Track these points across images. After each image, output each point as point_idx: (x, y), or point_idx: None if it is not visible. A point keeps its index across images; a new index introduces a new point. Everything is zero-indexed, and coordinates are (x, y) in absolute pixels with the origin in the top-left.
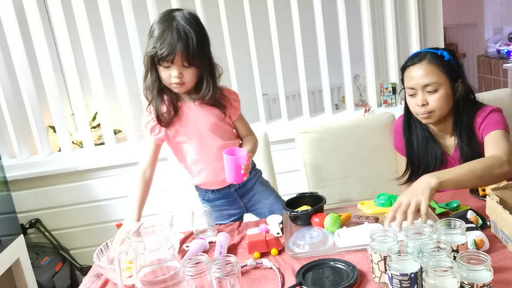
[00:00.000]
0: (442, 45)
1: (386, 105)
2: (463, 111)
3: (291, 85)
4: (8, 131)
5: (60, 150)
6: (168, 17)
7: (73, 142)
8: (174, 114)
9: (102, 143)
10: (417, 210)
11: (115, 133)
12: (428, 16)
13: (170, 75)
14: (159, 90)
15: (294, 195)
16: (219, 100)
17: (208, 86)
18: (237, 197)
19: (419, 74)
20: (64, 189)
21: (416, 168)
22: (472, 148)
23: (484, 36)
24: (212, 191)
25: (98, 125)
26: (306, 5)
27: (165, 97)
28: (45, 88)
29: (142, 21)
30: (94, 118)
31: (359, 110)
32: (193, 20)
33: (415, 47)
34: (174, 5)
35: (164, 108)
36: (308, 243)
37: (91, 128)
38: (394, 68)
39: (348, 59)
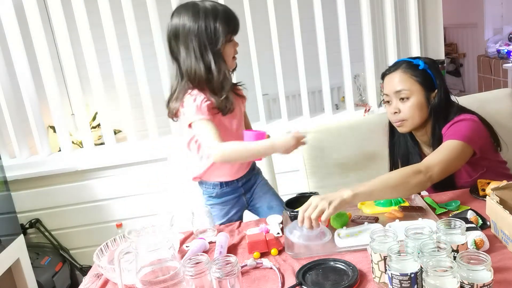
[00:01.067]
0: (442, 45)
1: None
2: (436, 121)
3: (291, 85)
4: (8, 131)
5: (60, 150)
6: (201, 6)
7: (73, 142)
8: (232, 101)
9: (102, 143)
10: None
11: (115, 133)
12: (428, 16)
13: (234, 47)
14: (228, 72)
15: (294, 195)
16: (238, 87)
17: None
18: (243, 193)
19: (392, 81)
20: (64, 189)
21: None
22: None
23: (484, 36)
24: (221, 185)
25: (98, 125)
26: (306, 5)
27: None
28: (45, 88)
29: (142, 21)
30: (94, 118)
31: (359, 110)
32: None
33: (415, 47)
34: (174, 5)
35: (228, 93)
36: (304, 235)
37: (91, 128)
38: None
39: (348, 59)
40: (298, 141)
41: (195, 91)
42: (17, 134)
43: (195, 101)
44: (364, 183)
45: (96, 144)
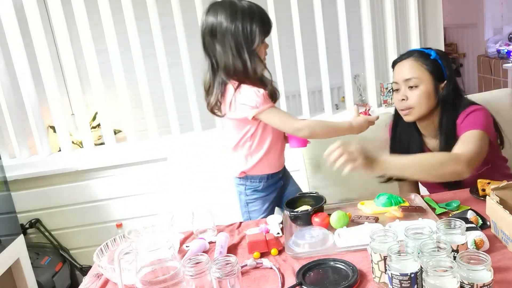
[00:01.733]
0: (442, 45)
1: (386, 105)
2: (444, 113)
3: (291, 85)
4: (8, 131)
5: (60, 150)
6: (238, 5)
7: (73, 142)
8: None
9: (102, 143)
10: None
11: (115, 133)
12: (428, 16)
13: (266, 47)
14: (264, 65)
15: (294, 195)
16: None
17: None
18: (281, 185)
19: (403, 69)
20: (64, 189)
21: None
22: (444, 142)
23: (484, 36)
24: (267, 178)
25: (98, 125)
26: (306, 5)
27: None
28: (45, 88)
29: (142, 21)
30: (94, 118)
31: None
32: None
33: (415, 47)
34: (175, 6)
35: (272, 83)
36: (308, 243)
37: (91, 128)
38: None
39: (348, 59)
40: (370, 123)
41: (245, 85)
42: (17, 134)
43: (259, 92)
44: (400, 156)
45: (96, 144)
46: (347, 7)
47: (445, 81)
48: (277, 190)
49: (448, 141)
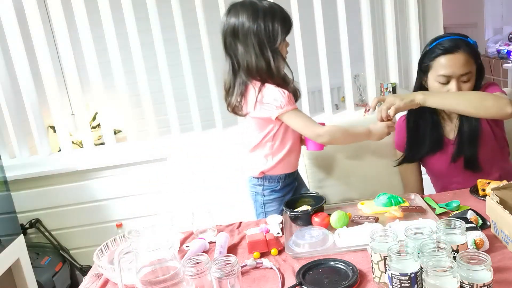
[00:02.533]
0: None
1: None
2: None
3: None
4: (8, 131)
5: (60, 150)
6: (260, 5)
7: (73, 142)
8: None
9: (102, 143)
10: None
11: (115, 133)
12: (428, 16)
13: (286, 47)
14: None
15: (294, 195)
16: None
17: None
18: (295, 186)
19: (457, 63)
20: (64, 189)
21: (414, 149)
22: (471, 128)
23: (484, 36)
24: (285, 177)
25: (98, 125)
26: (306, 5)
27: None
28: (45, 88)
29: (142, 21)
30: (94, 118)
31: (359, 110)
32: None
33: (415, 47)
34: (174, 6)
35: (293, 82)
36: (308, 243)
37: (91, 128)
38: (394, 68)
39: (348, 59)
40: (390, 129)
41: (268, 84)
42: (17, 134)
43: (284, 93)
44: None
45: (96, 144)
46: (347, 7)
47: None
48: (292, 191)
49: (470, 119)
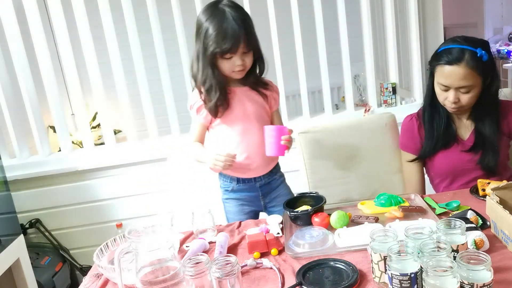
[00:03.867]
0: None
1: (386, 105)
2: (486, 101)
3: (291, 85)
4: (8, 131)
5: (60, 150)
6: (217, 11)
7: (73, 142)
8: (227, 106)
9: (102, 143)
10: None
11: (115, 133)
12: (428, 16)
13: (233, 65)
14: (222, 84)
15: (294, 195)
16: (263, 85)
17: (263, 64)
18: (260, 194)
19: (455, 76)
20: (64, 189)
21: (430, 143)
22: (489, 132)
23: (484, 36)
24: (238, 181)
25: (98, 125)
26: (306, 5)
27: (218, 87)
28: (45, 88)
29: (142, 21)
30: (94, 118)
31: (359, 110)
32: (239, 7)
33: (415, 47)
34: (174, 6)
35: (216, 101)
36: (308, 243)
37: (91, 128)
38: (394, 68)
39: (348, 59)
40: (221, 162)
41: (196, 89)
42: (17, 134)
43: (191, 100)
44: None
45: (96, 144)
46: (347, 7)
47: (490, 75)
48: (255, 198)
49: (489, 124)
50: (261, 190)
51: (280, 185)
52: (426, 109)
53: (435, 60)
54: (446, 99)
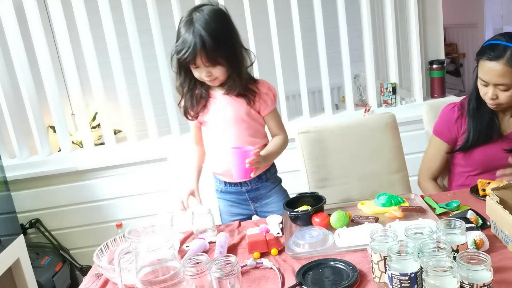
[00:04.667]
0: (442, 45)
1: (386, 105)
2: None
3: (291, 85)
4: (8, 131)
5: (60, 150)
6: (188, 19)
7: (73, 142)
8: (202, 108)
9: (102, 143)
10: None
11: (115, 133)
12: (428, 16)
13: (200, 74)
14: (191, 87)
15: (294, 195)
16: (248, 91)
17: (233, 80)
18: (248, 199)
19: (494, 73)
20: (64, 189)
21: (472, 139)
22: None
23: (484, 36)
24: (225, 183)
25: (98, 125)
26: (306, 5)
27: (196, 91)
28: (45, 88)
29: (142, 21)
30: (94, 118)
31: (359, 110)
32: (213, 19)
33: (415, 47)
34: (174, 5)
35: (193, 103)
36: (308, 243)
37: (91, 128)
38: (394, 68)
39: (348, 59)
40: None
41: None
42: (17, 134)
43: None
44: None
45: (96, 144)
46: (347, 7)
47: None
48: (244, 202)
49: None
50: (248, 195)
51: (272, 192)
52: (472, 102)
53: (479, 54)
54: (486, 94)
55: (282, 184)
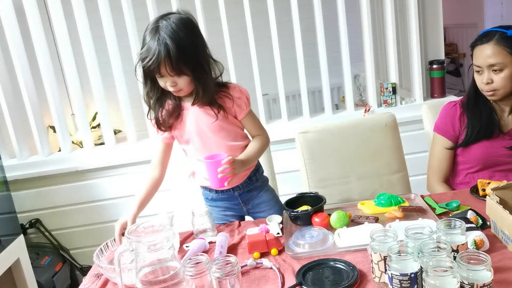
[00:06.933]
0: (442, 45)
1: (386, 105)
2: None
3: (291, 85)
4: (8, 131)
5: (60, 150)
6: (154, 26)
7: (73, 142)
8: (175, 118)
9: (102, 143)
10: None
11: (115, 133)
12: (428, 16)
13: (165, 84)
14: (159, 97)
15: (294, 195)
16: (219, 99)
17: (199, 91)
18: (240, 202)
19: (485, 54)
20: (64, 189)
21: (472, 135)
22: None
23: None
24: (216, 191)
25: (98, 125)
26: (306, 5)
27: (168, 101)
28: (45, 88)
29: (142, 21)
30: (94, 118)
31: (359, 110)
32: (180, 28)
33: (415, 47)
34: (174, 5)
35: (164, 114)
36: (308, 243)
37: (91, 128)
38: (394, 68)
39: (348, 59)
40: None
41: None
42: (17, 134)
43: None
44: None
45: (96, 144)
46: (347, 7)
47: None
48: (237, 205)
49: None
50: (240, 198)
51: (261, 191)
52: (470, 98)
53: (472, 43)
54: (482, 82)
55: (282, 184)
